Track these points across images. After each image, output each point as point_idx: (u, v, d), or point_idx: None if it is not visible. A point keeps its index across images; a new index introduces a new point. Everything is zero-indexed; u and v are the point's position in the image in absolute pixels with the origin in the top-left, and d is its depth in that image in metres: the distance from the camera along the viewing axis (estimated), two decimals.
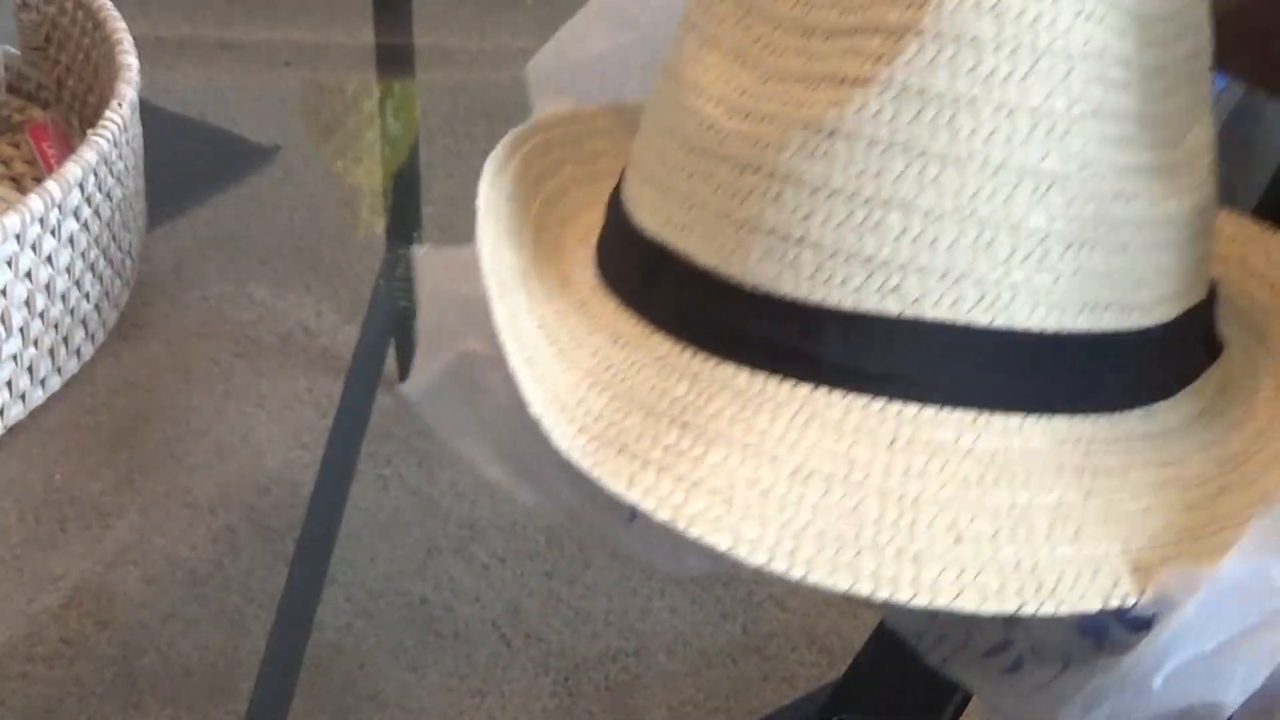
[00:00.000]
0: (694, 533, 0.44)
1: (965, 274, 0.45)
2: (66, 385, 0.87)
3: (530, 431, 0.49)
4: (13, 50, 1.05)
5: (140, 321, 0.96)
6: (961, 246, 0.45)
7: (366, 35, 1.14)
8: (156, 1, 1.42)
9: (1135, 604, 0.44)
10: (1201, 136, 0.50)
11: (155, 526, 1.11)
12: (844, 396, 0.47)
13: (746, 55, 0.49)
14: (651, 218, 0.51)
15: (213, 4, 1.51)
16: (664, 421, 0.47)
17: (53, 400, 0.87)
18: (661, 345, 0.49)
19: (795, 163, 0.46)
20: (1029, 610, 0.43)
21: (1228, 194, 0.54)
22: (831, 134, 0.45)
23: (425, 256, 0.56)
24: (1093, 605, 0.44)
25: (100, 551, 1.08)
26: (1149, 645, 0.44)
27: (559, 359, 0.50)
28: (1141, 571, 0.45)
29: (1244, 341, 0.56)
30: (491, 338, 0.50)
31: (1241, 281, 0.57)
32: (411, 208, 1.21)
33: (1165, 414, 0.49)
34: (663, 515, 0.45)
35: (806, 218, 0.46)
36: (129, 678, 1.06)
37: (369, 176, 1.29)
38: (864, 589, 0.43)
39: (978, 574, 0.44)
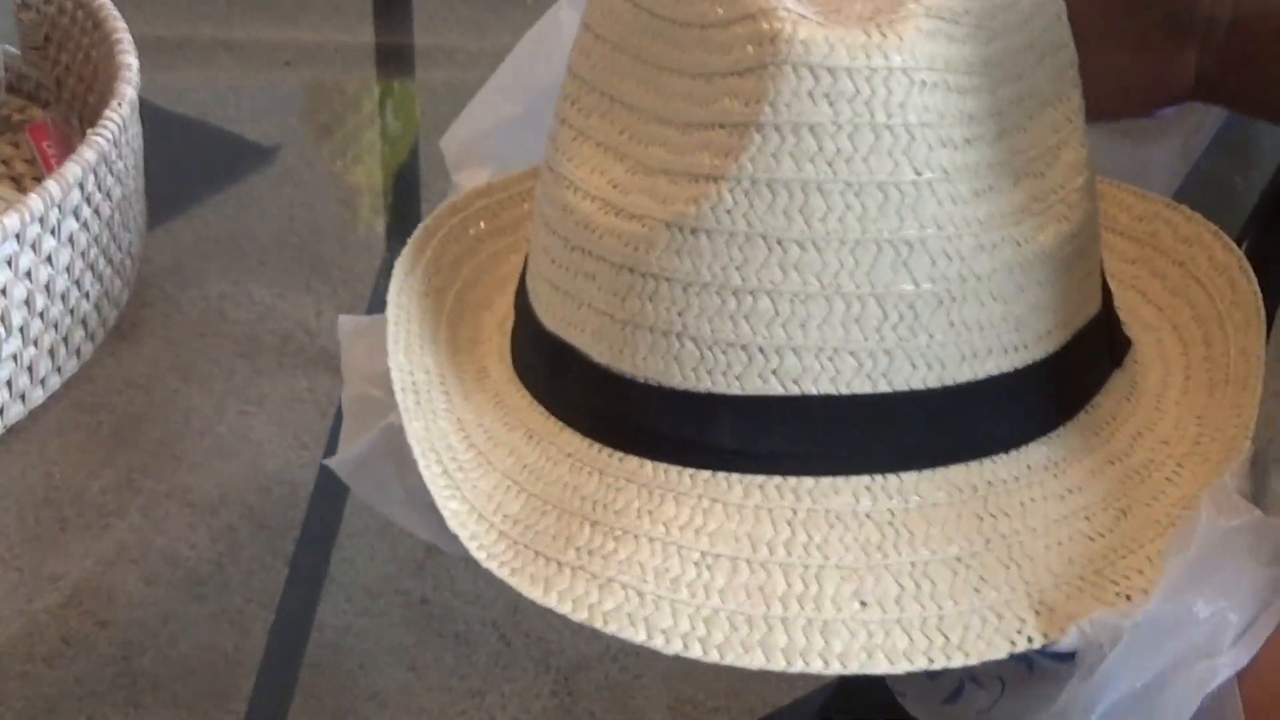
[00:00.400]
0: (610, 629, 0.46)
1: (840, 348, 0.47)
2: (66, 385, 0.87)
3: None
4: (13, 50, 1.05)
5: (140, 321, 0.96)
6: (832, 323, 0.47)
7: (366, 35, 1.14)
8: (156, 1, 1.42)
9: (1045, 645, 0.46)
10: (1071, 157, 0.51)
11: (155, 526, 1.11)
12: (742, 479, 0.48)
13: (615, 148, 0.50)
14: (548, 314, 0.53)
15: (213, 4, 1.51)
16: (576, 520, 0.49)
17: (53, 400, 0.87)
18: (571, 441, 0.51)
19: (665, 261, 0.48)
20: (938, 665, 0.45)
21: (1228, 193, 0.54)
22: (694, 231, 0.47)
23: (347, 329, 0.57)
24: (1000, 652, 0.45)
25: (100, 551, 1.08)
26: (1082, 686, 0.45)
27: (477, 463, 0.52)
28: (1047, 612, 0.46)
29: (1159, 330, 0.56)
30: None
31: (1152, 261, 0.58)
32: (411, 208, 1.21)
33: (1066, 438, 0.51)
34: (580, 616, 0.47)
35: (682, 313, 0.48)
36: (129, 678, 1.06)
37: (369, 176, 1.29)
38: (777, 665, 0.45)
39: (885, 636, 0.45)
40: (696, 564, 0.47)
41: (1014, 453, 0.50)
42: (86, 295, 0.86)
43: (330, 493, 1.11)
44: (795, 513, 0.48)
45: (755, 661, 0.45)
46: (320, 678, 1.11)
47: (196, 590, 1.09)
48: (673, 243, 0.48)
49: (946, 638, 0.45)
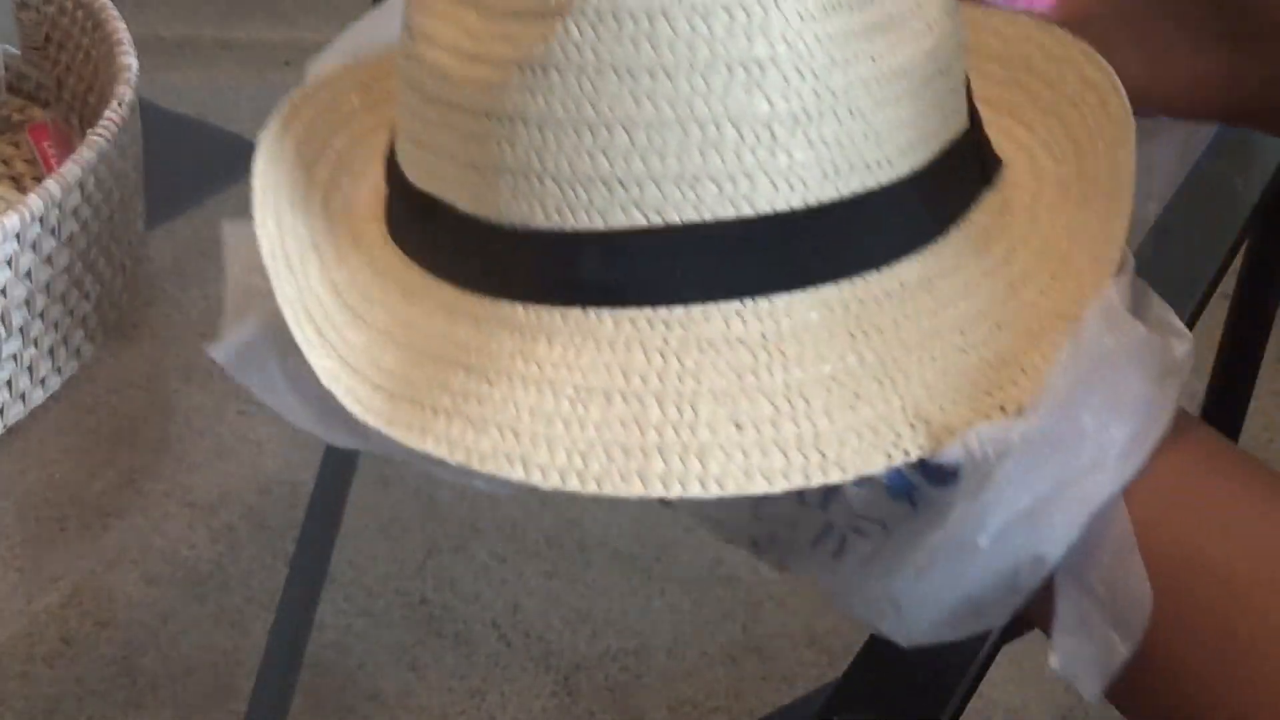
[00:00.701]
0: (488, 468, 0.46)
1: (699, 174, 0.47)
2: (66, 385, 0.87)
3: None
4: (13, 50, 1.05)
5: (140, 321, 0.96)
6: (689, 149, 0.47)
7: None
8: (156, 1, 1.42)
9: (922, 457, 0.46)
10: None
11: (155, 526, 1.11)
12: (612, 312, 0.48)
13: None
14: (414, 171, 0.52)
15: (213, 4, 1.51)
16: (452, 368, 0.49)
17: (53, 400, 0.87)
18: (446, 293, 0.51)
19: (520, 101, 0.48)
20: (815, 482, 0.45)
21: (1228, 193, 0.54)
22: (545, 68, 0.47)
23: (231, 227, 0.57)
24: (876, 465, 0.45)
25: (100, 551, 1.08)
26: (971, 505, 0.45)
27: (352, 323, 0.52)
28: (922, 424, 0.46)
29: (1031, 149, 0.56)
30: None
31: (1024, 83, 0.59)
32: None
33: (938, 255, 0.50)
34: (458, 458, 0.47)
35: (540, 152, 0.48)
36: (129, 678, 1.06)
37: None
38: (656, 491, 0.45)
39: (762, 457, 0.46)
40: (570, 399, 0.47)
41: (885, 270, 0.49)
42: (86, 295, 0.86)
43: (330, 493, 1.11)
44: (667, 342, 0.48)
45: (634, 489, 0.45)
46: (320, 678, 1.11)
47: (196, 590, 1.09)
48: (525, 82, 0.47)
49: (823, 454, 0.46)
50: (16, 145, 1.02)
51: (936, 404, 0.47)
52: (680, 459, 0.46)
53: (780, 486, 0.45)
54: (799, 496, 0.49)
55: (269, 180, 0.56)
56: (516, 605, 1.18)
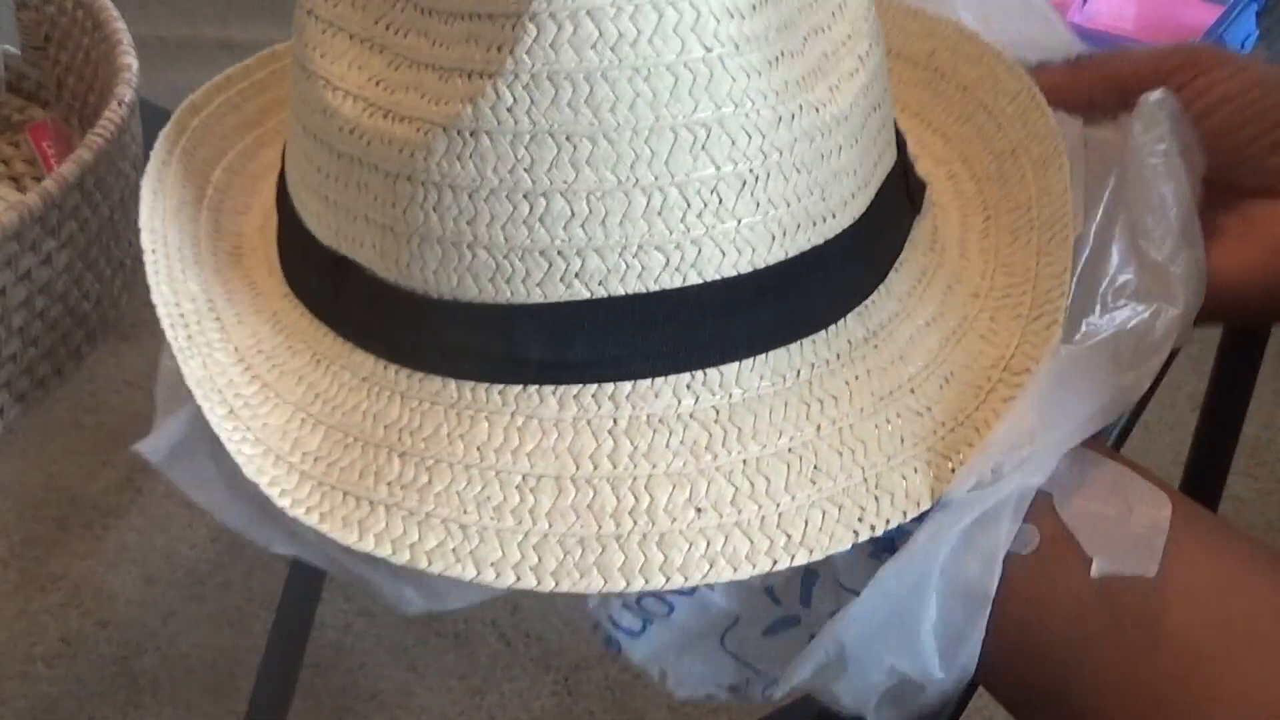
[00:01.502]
0: (436, 569, 0.43)
1: (644, 243, 0.44)
2: (66, 385, 0.87)
3: None
4: (13, 50, 1.05)
5: (140, 321, 0.96)
6: (633, 217, 0.44)
7: None
8: (156, 1, 1.42)
9: (886, 530, 0.44)
10: (849, 6, 0.48)
11: (155, 526, 1.11)
12: (555, 390, 0.45)
13: (371, 39, 0.46)
14: (321, 228, 0.48)
15: (213, 4, 1.51)
16: (383, 452, 0.46)
17: (53, 400, 0.87)
18: (364, 363, 0.47)
19: (446, 167, 0.44)
20: (782, 565, 0.43)
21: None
22: (474, 133, 0.44)
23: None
24: (844, 544, 0.43)
25: (100, 551, 1.08)
26: (925, 535, 0.44)
27: (263, 398, 0.48)
28: (886, 497, 0.44)
29: (950, 164, 0.54)
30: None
31: (935, 85, 0.56)
32: None
33: (880, 304, 0.49)
34: (402, 558, 0.43)
35: (471, 222, 0.44)
36: (129, 677, 1.06)
37: None
38: (617, 586, 0.42)
39: (725, 542, 0.43)
40: (519, 488, 0.44)
41: (832, 329, 0.48)
42: (86, 295, 0.86)
43: None
44: (616, 421, 0.45)
45: (593, 585, 0.42)
46: (320, 678, 1.11)
47: (196, 590, 1.09)
48: (452, 147, 0.44)
49: (788, 535, 0.43)
50: (16, 145, 1.02)
51: (898, 473, 0.45)
52: (641, 549, 0.43)
53: (745, 573, 0.43)
54: (771, 596, 0.47)
55: (155, 235, 0.53)
56: (516, 605, 1.17)
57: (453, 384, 0.46)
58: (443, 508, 0.44)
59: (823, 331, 0.47)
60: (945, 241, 0.51)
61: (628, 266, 0.44)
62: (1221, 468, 1.13)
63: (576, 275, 0.44)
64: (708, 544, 0.43)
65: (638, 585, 0.43)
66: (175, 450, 0.51)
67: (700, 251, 0.45)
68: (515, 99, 0.43)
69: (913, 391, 0.47)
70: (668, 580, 0.42)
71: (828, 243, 0.47)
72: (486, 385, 0.46)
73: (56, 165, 0.86)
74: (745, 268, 0.45)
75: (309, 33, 0.49)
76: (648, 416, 0.45)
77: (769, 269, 0.46)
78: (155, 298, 0.50)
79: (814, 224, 0.46)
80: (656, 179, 0.44)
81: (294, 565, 1.08)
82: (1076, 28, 1.09)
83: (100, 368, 0.94)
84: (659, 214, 0.44)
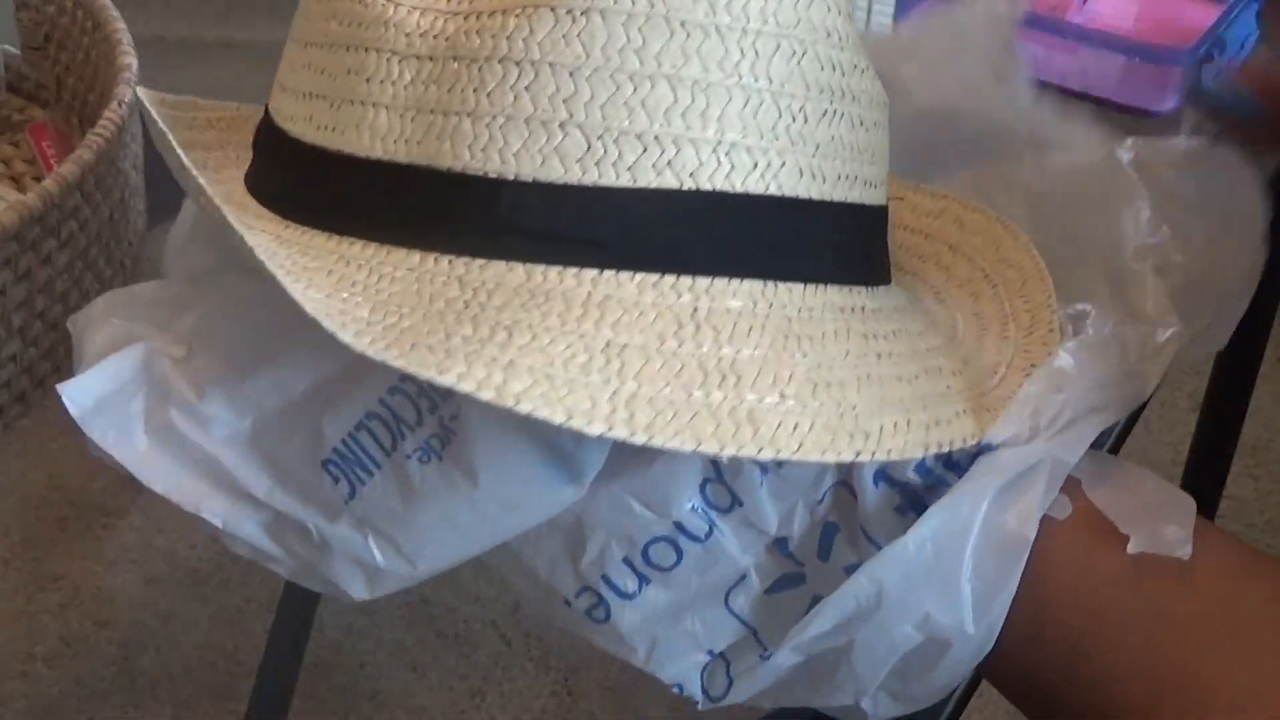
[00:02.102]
0: (524, 409, 0.41)
1: (737, 143, 0.45)
2: None
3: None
4: (13, 50, 1.05)
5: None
6: (730, 116, 0.45)
7: None
8: (156, 1, 1.42)
9: (951, 448, 0.46)
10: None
11: (155, 526, 1.11)
12: (633, 276, 0.45)
13: None
14: (370, 139, 0.48)
15: (213, 4, 1.51)
16: (450, 318, 0.44)
17: (53, 400, 0.87)
18: (409, 257, 0.46)
19: (548, 46, 0.45)
20: (864, 459, 0.44)
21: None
22: (585, 11, 0.44)
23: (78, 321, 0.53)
24: (916, 453, 0.45)
25: (100, 551, 1.08)
26: (968, 484, 0.46)
27: (310, 279, 0.46)
28: (944, 423, 0.46)
29: (938, 294, 0.56)
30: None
31: (939, 256, 0.57)
32: None
33: (866, 295, 0.50)
34: (486, 395, 0.42)
35: (569, 100, 0.45)
36: (129, 678, 1.06)
37: None
38: (710, 449, 0.42)
39: (810, 428, 0.44)
40: (605, 352, 0.44)
41: (882, 289, 0.50)
42: (86, 295, 0.86)
43: None
44: (696, 310, 0.45)
45: (686, 445, 0.42)
46: (320, 678, 1.11)
47: (196, 590, 1.09)
48: (559, 26, 0.44)
49: (866, 434, 0.44)
50: (16, 145, 1.02)
51: (950, 409, 0.47)
52: (731, 419, 0.43)
53: (830, 459, 0.44)
54: (783, 550, 0.48)
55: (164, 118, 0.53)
56: (516, 605, 1.18)
57: (519, 266, 0.45)
58: (527, 359, 0.43)
59: (872, 288, 0.49)
60: (916, 307, 0.53)
61: (719, 164, 0.45)
62: (1221, 468, 1.14)
63: (669, 164, 0.45)
64: (795, 426, 0.44)
65: (730, 451, 0.43)
66: (102, 402, 0.49)
67: (784, 165, 0.46)
68: None
69: (942, 357, 0.49)
70: (759, 451, 0.43)
71: (877, 208, 0.49)
72: (560, 268, 0.45)
73: (56, 165, 0.86)
74: (817, 195, 0.47)
75: None
76: (727, 310, 0.46)
77: (835, 204, 0.47)
78: (203, 195, 0.48)
79: (866, 185, 0.49)
80: (756, 81, 0.45)
81: None
82: (1076, 28, 1.09)
83: None
84: (755, 116, 0.45)
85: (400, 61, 0.47)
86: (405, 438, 0.48)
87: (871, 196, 0.49)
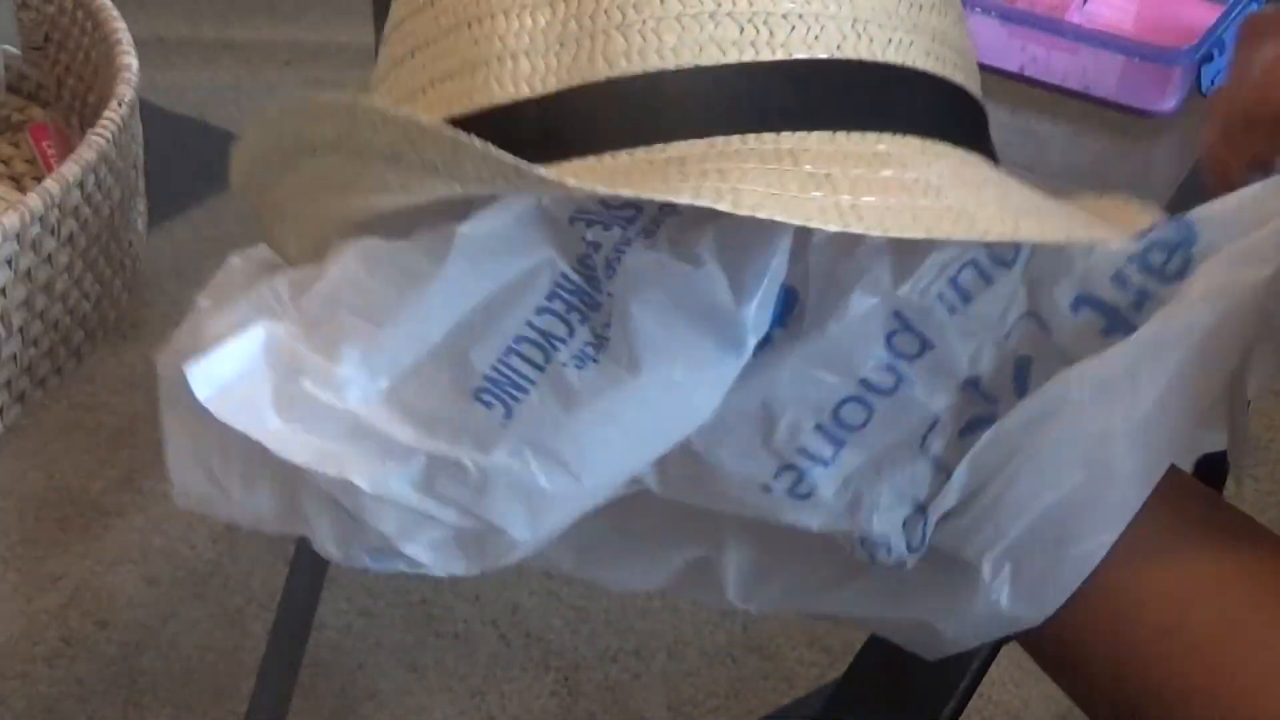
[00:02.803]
0: (764, 214, 0.43)
1: (870, 20, 0.48)
2: (66, 385, 0.87)
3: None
4: (13, 50, 1.05)
5: (140, 321, 0.96)
6: None
7: (366, 35, 1.14)
8: (156, 1, 1.42)
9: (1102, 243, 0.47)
10: None
11: (155, 526, 1.11)
12: (809, 133, 0.47)
13: None
14: (513, 86, 0.48)
15: (213, 4, 1.51)
16: (661, 171, 0.46)
17: (53, 400, 0.87)
18: (584, 159, 0.47)
19: None
20: (1076, 238, 0.47)
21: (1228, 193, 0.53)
22: None
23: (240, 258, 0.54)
24: (1061, 237, 0.47)
25: (100, 551, 1.08)
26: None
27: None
28: (1091, 229, 0.48)
29: None
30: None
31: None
32: None
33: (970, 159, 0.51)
34: (724, 205, 0.43)
35: None
36: (129, 678, 1.06)
37: None
38: (941, 234, 0.44)
39: (1017, 217, 0.46)
40: (812, 178, 0.45)
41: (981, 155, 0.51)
42: (86, 296, 0.86)
43: None
44: (877, 151, 0.47)
45: (917, 233, 0.44)
46: (320, 678, 1.11)
47: (196, 590, 1.09)
48: None
49: (1016, 223, 0.46)
50: (16, 145, 1.02)
51: (1095, 230, 0.48)
52: (949, 215, 0.45)
53: (1006, 235, 0.45)
54: (975, 389, 0.48)
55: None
56: (516, 605, 1.17)
57: (699, 141, 0.47)
58: (747, 186, 0.44)
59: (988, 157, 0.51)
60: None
61: (859, 37, 0.48)
62: (1222, 468, 1.14)
63: (816, 38, 0.48)
64: (1002, 219, 0.46)
65: (959, 234, 0.44)
66: (228, 385, 0.48)
67: (911, 43, 0.49)
68: None
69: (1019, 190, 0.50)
70: (986, 232, 0.44)
71: (974, 100, 0.52)
72: (738, 135, 0.47)
73: (56, 165, 0.86)
74: (949, 76, 0.50)
75: None
76: (904, 149, 0.48)
77: (961, 88, 0.50)
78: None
79: (965, 73, 0.51)
80: None
81: (294, 565, 1.08)
82: (1076, 28, 1.09)
83: (100, 368, 0.94)
84: (881, 1, 0.49)
85: (532, 11, 0.48)
86: (559, 349, 0.47)
87: (977, 91, 0.51)
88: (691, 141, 0.47)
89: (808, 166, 0.46)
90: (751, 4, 0.48)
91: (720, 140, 0.47)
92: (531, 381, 0.47)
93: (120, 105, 0.87)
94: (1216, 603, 0.46)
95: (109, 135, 0.84)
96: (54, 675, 1.05)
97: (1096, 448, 0.46)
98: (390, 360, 0.48)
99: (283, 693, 0.98)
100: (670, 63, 0.47)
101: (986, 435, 0.47)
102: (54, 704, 1.04)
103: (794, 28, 0.48)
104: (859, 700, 0.61)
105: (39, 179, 0.85)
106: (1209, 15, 1.09)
